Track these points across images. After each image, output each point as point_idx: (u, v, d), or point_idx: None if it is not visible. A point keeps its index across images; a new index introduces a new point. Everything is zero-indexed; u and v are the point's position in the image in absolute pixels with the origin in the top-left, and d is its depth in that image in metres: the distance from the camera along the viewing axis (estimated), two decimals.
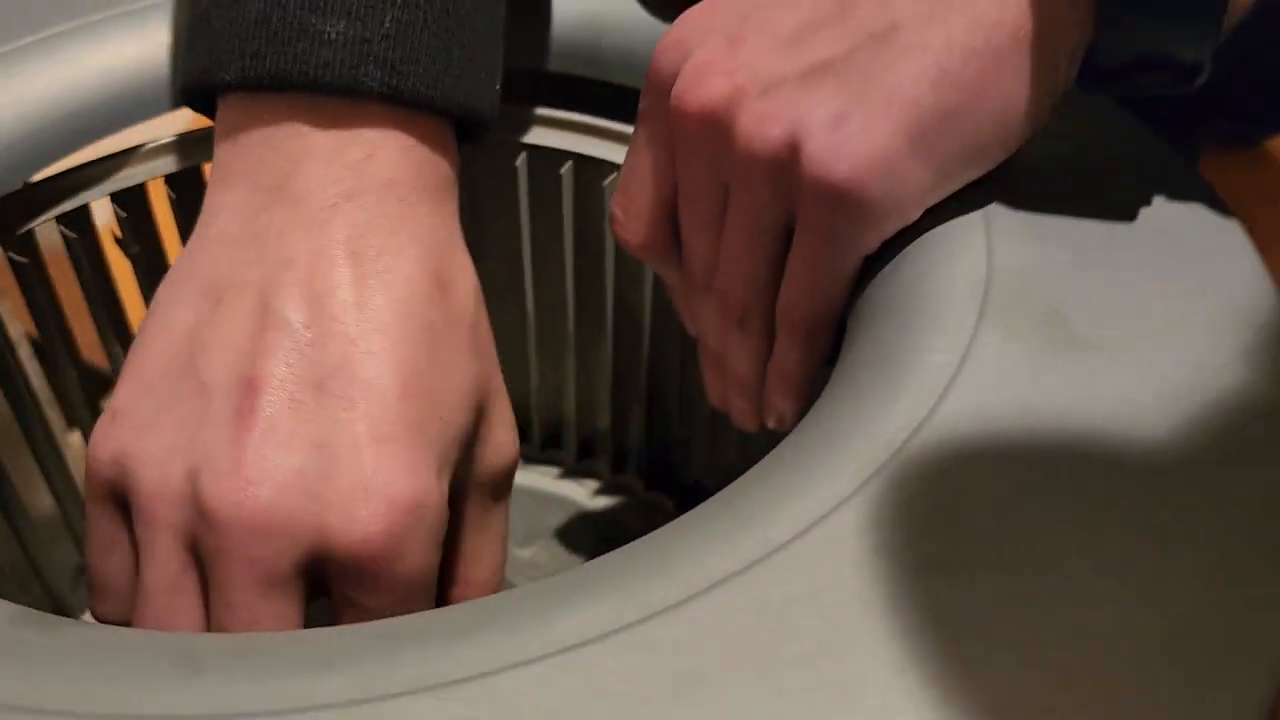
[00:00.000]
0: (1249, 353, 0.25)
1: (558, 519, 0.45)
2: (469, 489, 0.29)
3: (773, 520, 0.21)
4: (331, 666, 0.19)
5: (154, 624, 0.25)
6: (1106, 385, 0.24)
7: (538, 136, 0.40)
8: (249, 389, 0.25)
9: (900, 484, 0.22)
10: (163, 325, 0.27)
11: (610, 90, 0.39)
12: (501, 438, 0.30)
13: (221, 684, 0.19)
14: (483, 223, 0.42)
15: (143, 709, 0.18)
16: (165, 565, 0.25)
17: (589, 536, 0.44)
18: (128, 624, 0.27)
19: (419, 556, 0.25)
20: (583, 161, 0.39)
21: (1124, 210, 0.29)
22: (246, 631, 0.24)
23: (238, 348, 0.26)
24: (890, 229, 0.28)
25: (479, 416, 0.29)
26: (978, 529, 0.21)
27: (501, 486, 0.30)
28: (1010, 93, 0.27)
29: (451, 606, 0.21)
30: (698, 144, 0.29)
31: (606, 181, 0.39)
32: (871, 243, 0.28)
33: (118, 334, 0.40)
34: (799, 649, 0.19)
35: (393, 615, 0.25)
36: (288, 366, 0.26)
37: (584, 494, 0.46)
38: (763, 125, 0.27)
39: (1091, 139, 0.31)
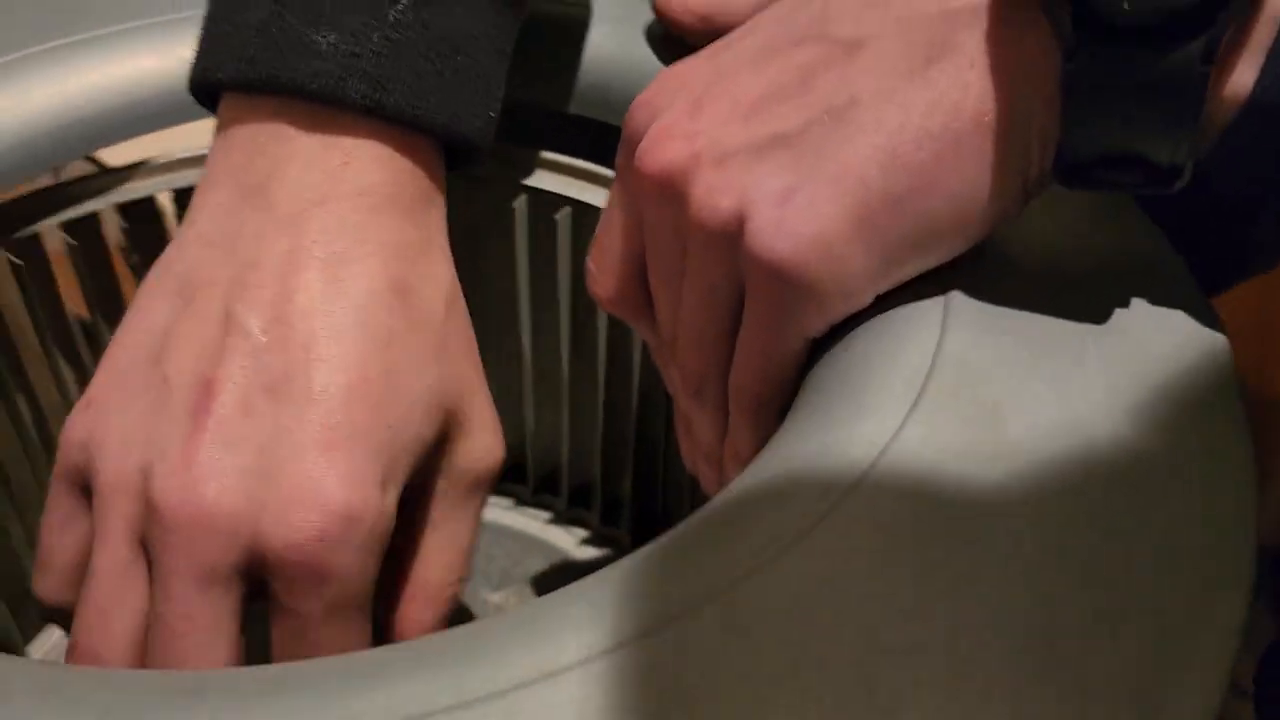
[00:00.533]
0: (1188, 487, 0.23)
1: (539, 566, 0.44)
2: (435, 489, 0.29)
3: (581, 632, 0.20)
4: (127, 713, 0.19)
5: (97, 607, 0.26)
6: (1020, 501, 0.22)
7: (538, 179, 0.39)
8: (205, 389, 0.26)
9: (757, 594, 0.20)
10: (139, 319, 0.28)
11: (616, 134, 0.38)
12: (477, 441, 0.30)
13: (17, 718, 0.19)
14: (480, 263, 0.41)
15: None
16: (115, 551, 0.26)
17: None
18: (66, 603, 0.28)
19: (352, 565, 0.26)
20: (580, 208, 0.39)
21: (1098, 312, 0.27)
22: (183, 622, 0.25)
23: (200, 348, 0.27)
24: (836, 312, 0.27)
25: (447, 421, 0.29)
26: (811, 660, 0.19)
27: (473, 490, 0.30)
28: (970, 179, 0.25)
29: (265, 666, 0.20)
30: (658, 207, 0.28)
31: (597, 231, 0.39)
32: (815, 324, 0.27)
33: None
34: None
35: (328, 622, 0.26)
36: (243, 370, 0.26)
37: (571, 542, 0.45)
38: (713, 196, 0.27)
39: (1090, 235, 0.29)
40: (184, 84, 0.36)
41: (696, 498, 0.41)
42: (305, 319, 0.27)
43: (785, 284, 0.26)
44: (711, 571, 0.21)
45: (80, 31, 0.37)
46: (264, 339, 0.26)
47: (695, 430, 0.32)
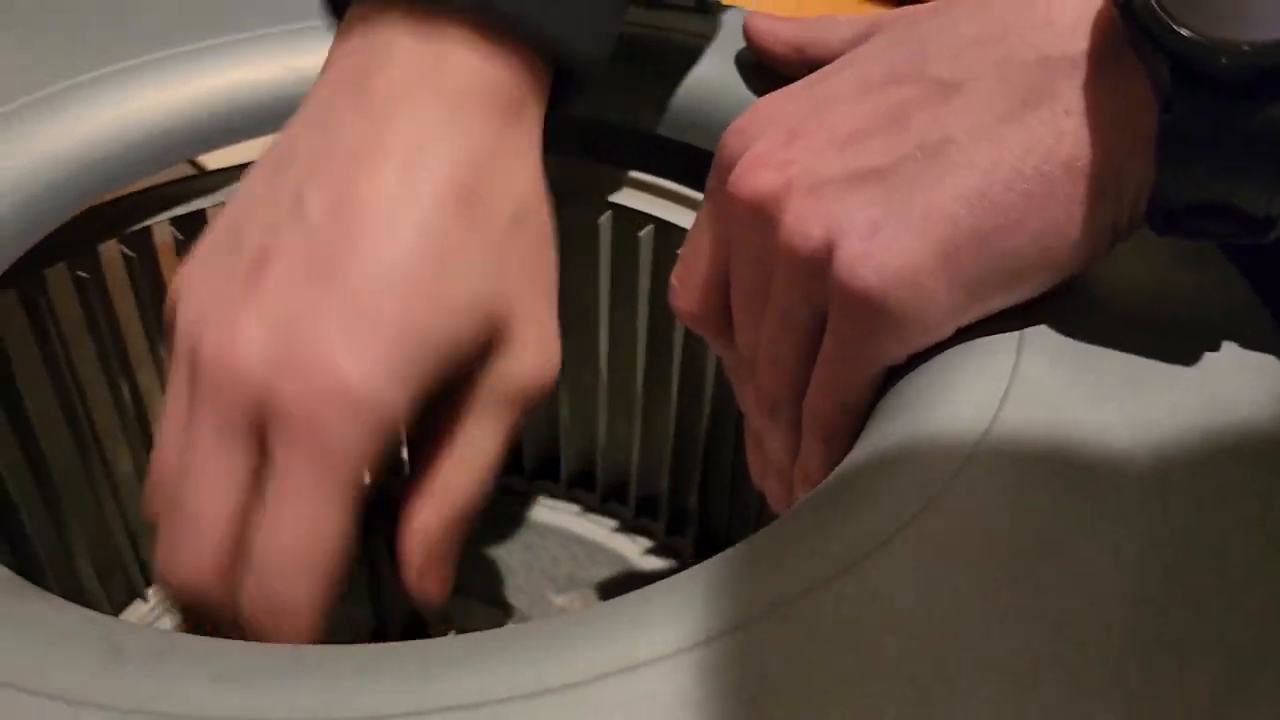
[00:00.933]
0: (1256, 523, 0.23)
1: (603, 572, 0.45)
2: (467, 397, 0.30)
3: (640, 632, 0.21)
4: (235, 679, 0.20)
5: (159, 455, 0.28)
6: (1088, 531, 0.23)
7: (624, 197, 0.41)
8: (262, 258, 0.28)
9: (810, 616, 0.21)
10: (238, 194, 0.30)
11: (704, 157, 0.39)
12: (520, 360, 0.30)
13: (135, 676, 0.20)
14: (563, 275, 0.43)
15: (49, 685, 0.20)
16: (176, 406, 0.28)
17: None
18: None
19: (347, 438, 0.26)
20: (663, 227, 0.40)
21: (1174, 352, 0.27)
22: (199, 467, 0.27)
23: (269, 222, 0.28)
24: (915, 343, 0.28)
25: (491, 334, 0.29)
26: (885, 666, 0.20)
27: (504, 405, 0.30)
28: (1058, 222, 0.26)
29: (341, 647, 0.21)
30: (747, 231, 0.30)
31: (682, 249, 0.40)
32: (894, 353, 0.28)
33: None
34: None
35: (309, 491, 0.26)
36: (294, 246, 0.28)
37: (635, 551, 0.46)
38: (804, 224, 0.28)
39: (1170, 278, 0.30)
40: (284, 92, 0.38)
41: (763, 513, 0.42)
42: (361, 208, 0.28)
43: (868, 313, 0.27)
44: (789, 577, 0.22)
45: (191, 42, 0.39)
46: (321, 219, 0.28)
47: (767, 449, 0.33)
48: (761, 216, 0.29)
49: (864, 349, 0.28)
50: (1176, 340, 0.27)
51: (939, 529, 0.23)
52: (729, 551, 0.23)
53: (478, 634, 0.22)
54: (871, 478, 0.25)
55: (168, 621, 0.43)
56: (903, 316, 0.27)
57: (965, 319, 0.27)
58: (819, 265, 0.27)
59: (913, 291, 0.26)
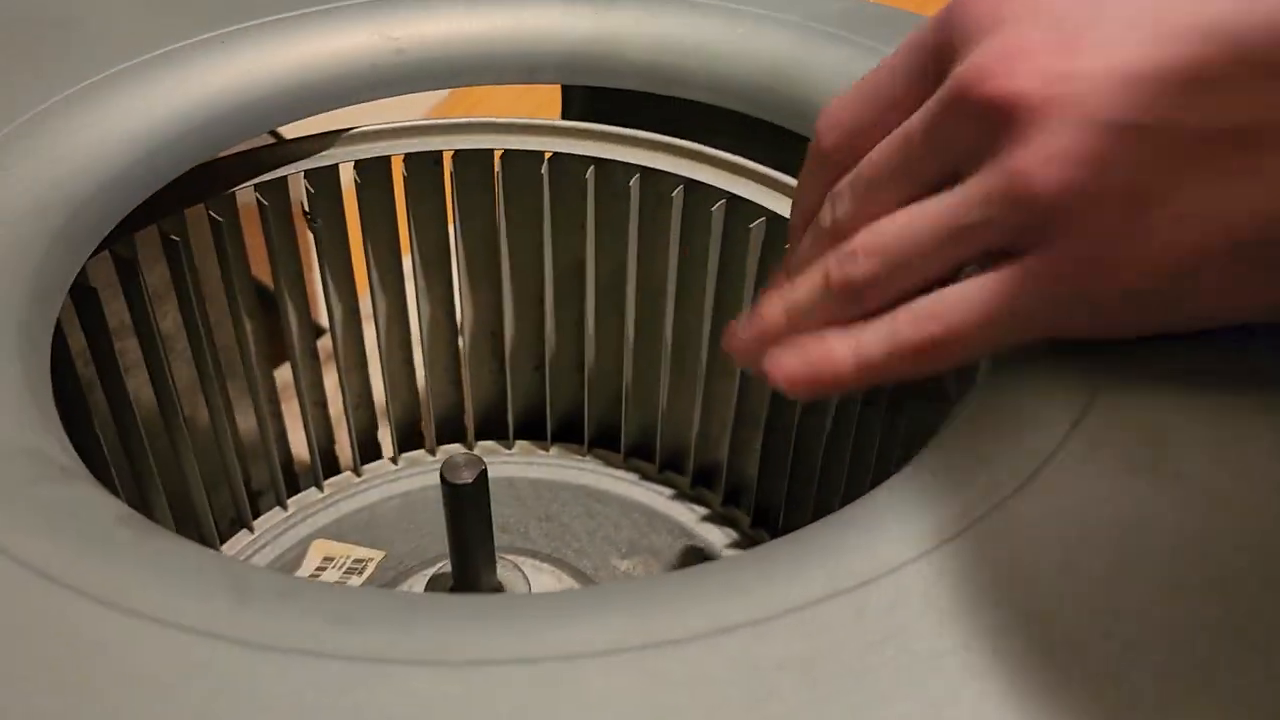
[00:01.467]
0: None
1: (664, 539, 0.46)
2: None
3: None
4: (353, 621, 0.21)
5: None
6: (1169, 518, 0.23)
7: (697, 172, 0.41)
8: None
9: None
10: None
11: (777, 134, 0.40)
12: None
13: (261, 615, 0.21)
14: (636, 249, 0.44)
15: (181, 619, 0.21)
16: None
17: (687, 561, 0.45)
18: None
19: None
20: (734, 201, 0.41)
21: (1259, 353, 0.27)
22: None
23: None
24: (1066, 330, 0.26)
25: None
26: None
27: None
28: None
29: (491, 596, 0.22)
30: (964, 125, 0.25)
31: (754, 224, 0.40)
32: (1045, 328, 0.26)
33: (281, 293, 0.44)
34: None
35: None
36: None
37: (692, 519, 0.47)
38: (1058, 157, 0.24)
39: None
40: (360, 64, 0.39)
41: (823, 486, 0.43)
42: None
43: (1088, 284, 0.24)
44: (877, 553, 0.23)
45: (276, 12, 0.40)
46: None
47: (795, 311, 0.29)
48: (1000, 119, 0.24)
49: (1044, 312, 0.25)
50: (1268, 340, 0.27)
51: (1032, 511, 0.23)
52: (818, 523, 0.24)
53: (592, 588, 0.23)
54: (965, 456, 0.25)
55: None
56: (1102, 306, 0.24)
57: (1112, 330, 0.26)
58: (1047, 201, 0.24)
59: (1135, 287, 0.24)
